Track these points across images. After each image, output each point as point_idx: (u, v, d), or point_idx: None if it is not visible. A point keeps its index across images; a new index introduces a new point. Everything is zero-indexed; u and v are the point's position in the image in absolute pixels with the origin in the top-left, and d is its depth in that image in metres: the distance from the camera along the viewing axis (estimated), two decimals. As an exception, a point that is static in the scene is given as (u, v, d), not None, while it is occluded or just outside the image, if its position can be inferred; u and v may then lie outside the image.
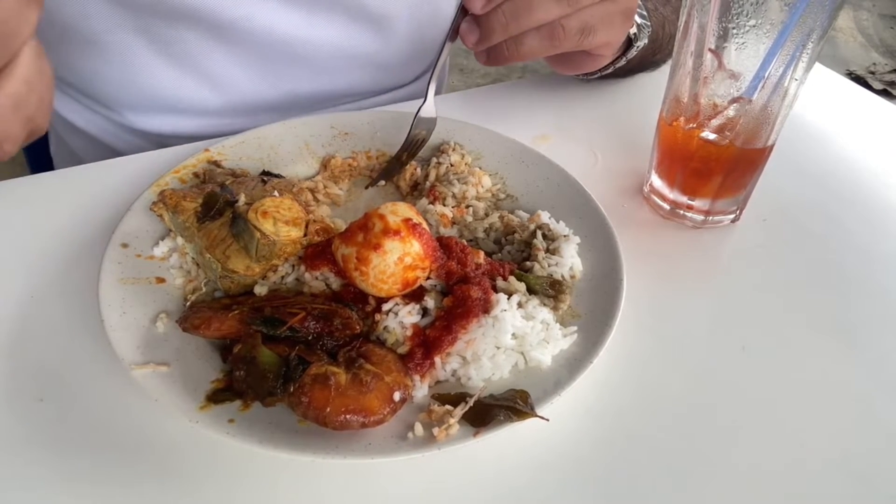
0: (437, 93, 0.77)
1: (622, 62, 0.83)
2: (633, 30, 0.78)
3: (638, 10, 0.77)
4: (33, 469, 0.51)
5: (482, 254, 0.62)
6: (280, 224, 0.62)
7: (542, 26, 0.66)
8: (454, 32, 0.69)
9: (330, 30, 0.89)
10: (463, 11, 0.67)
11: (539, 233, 0.67)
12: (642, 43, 0.81)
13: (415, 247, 0.57)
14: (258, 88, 0.91)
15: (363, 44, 0.92)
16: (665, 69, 0.79)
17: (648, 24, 0.81)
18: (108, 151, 0.96)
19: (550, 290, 0.61)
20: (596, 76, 0.88)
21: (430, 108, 0.77)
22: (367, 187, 0.77)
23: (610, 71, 0.85)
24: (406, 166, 0.77)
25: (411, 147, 0.78)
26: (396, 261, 0.56)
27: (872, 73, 3.44)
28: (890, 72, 3.45)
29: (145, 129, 0.92)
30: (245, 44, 0.86)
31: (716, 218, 0.75)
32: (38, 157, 1.17)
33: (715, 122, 0.67)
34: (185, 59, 0.85)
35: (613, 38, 0.72)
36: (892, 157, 0.88)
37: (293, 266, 0.62)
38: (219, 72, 0.88)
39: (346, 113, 0.86)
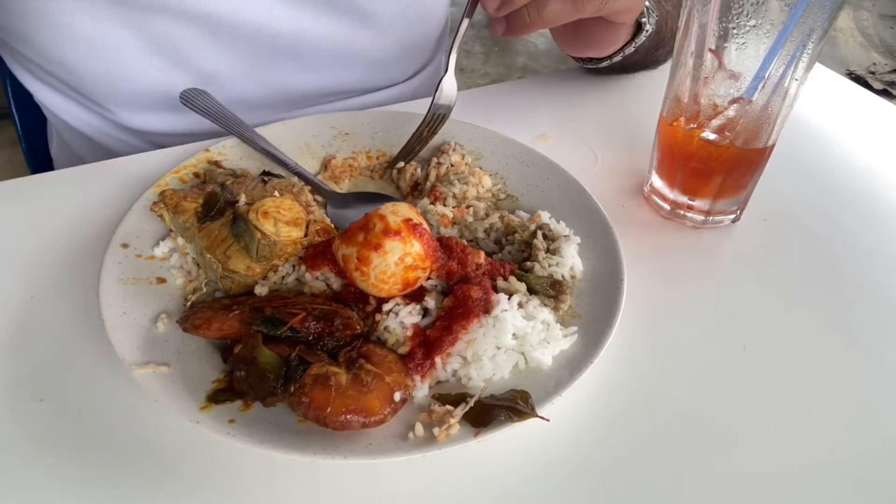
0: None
1: (631, 48, 0.82)
2: (643, 17, 0.78)
3: None
4: (33, 469, 0.51)
5: (482, 254, 0.62)
6: (280, 224, 0.62)
7: None
8: (472, 6, 0.68)
9: (318, 25, 0.89)
10: None
11: (539, 233, 0.67)
12: (650, 27, 0.81)
13: (415, 247, 0.57)
14: (246, 84, 0.91)
15: (352, 40, 0.92)
16: (665, 69, 0.79)
17: (655, 12, 0.81)
18: (106, 154, 0.96)
19: (551, 291, 0.61)
20: (604, 64, 0.87)
21: (450, 81, 0.75)
22: (386, 168, 0.75)
23: (618, 59, 0.84)
24: (426, 144, 0.76)
25: (432, 123, 0.77)
26: (397, 261, 0.56)
27: (872, 73, 3.44)
28: (890, 72, 3.44)
29: (137, 126, 0.92)
30: (233, 38, 0.86)
31: (716, 218, 0.75)
32: (38, 157, 1.16)
33: (715, 123, 0.67)
34: (173, 54, 0.85)
35: (634, 2, 0.72)
36: (892, 157, 0.88)
37: (294, 266, 0.62)
38: (207, 67, 0.88)
39: (346, 113, 0.86)
